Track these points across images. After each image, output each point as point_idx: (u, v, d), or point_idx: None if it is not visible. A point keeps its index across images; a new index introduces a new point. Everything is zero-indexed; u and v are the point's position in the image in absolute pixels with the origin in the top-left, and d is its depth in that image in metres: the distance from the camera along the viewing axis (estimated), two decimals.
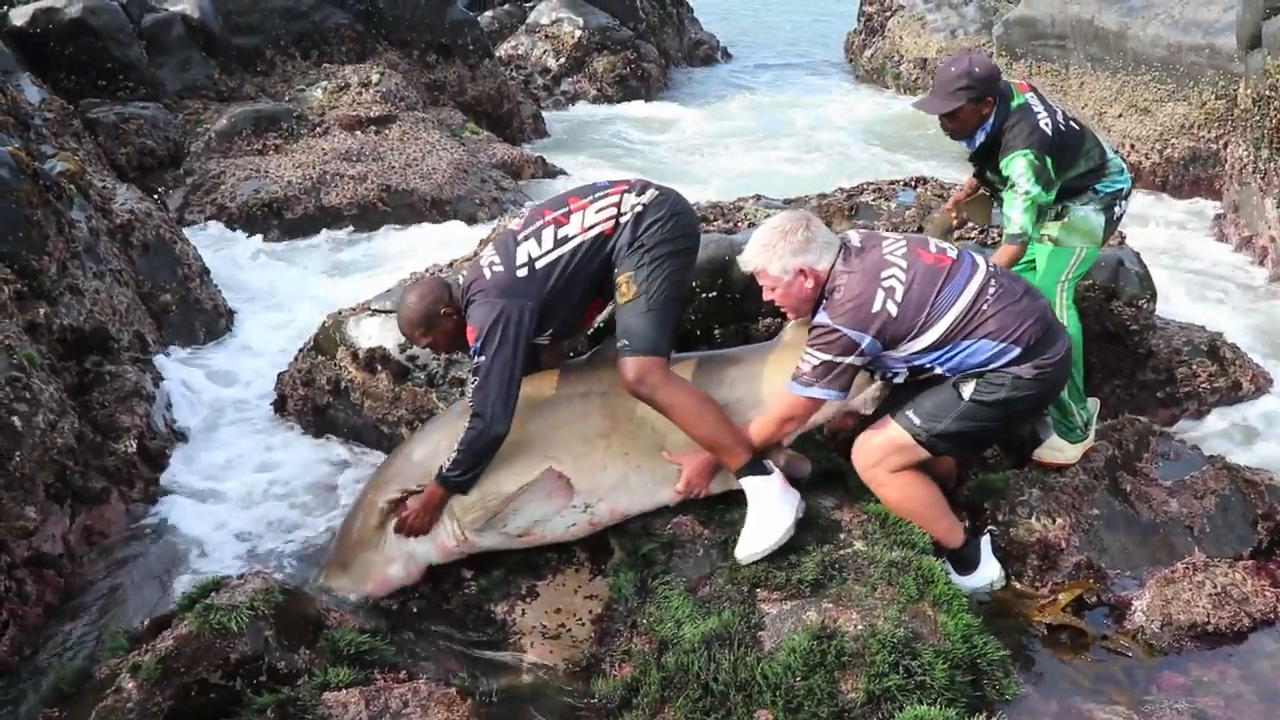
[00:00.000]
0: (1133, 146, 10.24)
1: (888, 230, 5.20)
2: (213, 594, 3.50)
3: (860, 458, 3.76)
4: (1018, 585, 3.93)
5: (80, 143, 7.94)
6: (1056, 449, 4.36)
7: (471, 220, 9.14)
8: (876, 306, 3.49)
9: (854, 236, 3.71)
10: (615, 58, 15.02)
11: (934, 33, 15.88)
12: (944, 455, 3.78)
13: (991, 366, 3.55)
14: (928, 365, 3.60)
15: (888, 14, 17.09)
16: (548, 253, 3.77)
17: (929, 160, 11.30)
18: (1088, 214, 4.35)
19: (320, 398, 5.34)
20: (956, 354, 3.56)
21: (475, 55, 12.48)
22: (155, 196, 8.28)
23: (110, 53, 9.62)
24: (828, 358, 3.50)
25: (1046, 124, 4.16)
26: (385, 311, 5.01)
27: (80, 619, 4.09)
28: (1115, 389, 5.35)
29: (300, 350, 5.62)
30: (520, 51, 15.17)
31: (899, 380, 3.72)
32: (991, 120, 4.23)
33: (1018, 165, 4.10)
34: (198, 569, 4.34)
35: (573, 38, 15.08)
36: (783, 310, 3.75)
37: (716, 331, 4.71)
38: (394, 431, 4.94)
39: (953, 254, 3.66)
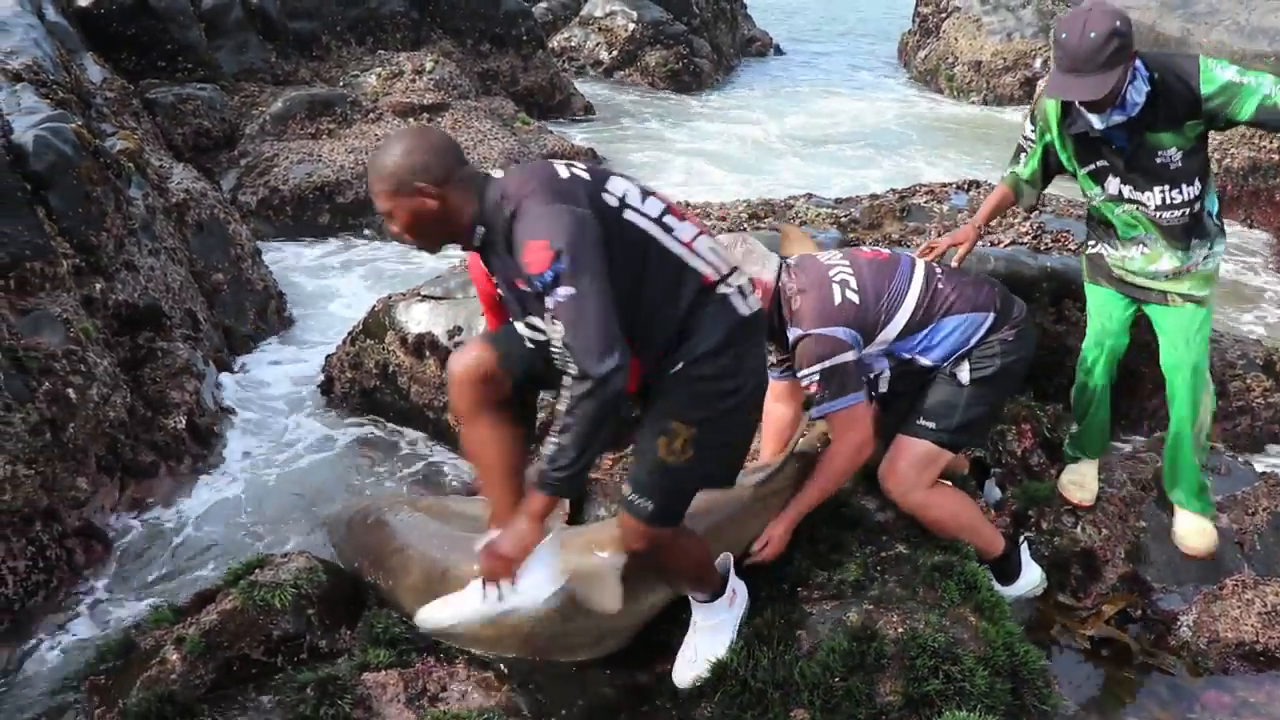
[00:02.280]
0: None
1: (939, 232, 5.17)
2: (257, 571, 3.54)
3: (894, 487, 3.58)
4: (1060, 597, 3.89)
5: (139, 122, 8.02)
6: (1198, 531, 4.04)
7: None
8: (838, 300, 3.44)
9: (789, 257, 3.68)
10: (668, 52, 14.98)
11: (990, 35, 15.70)
12: (965, 448, 3.73)
13: (974, 342, 3.51)
14: (910, 356, 3.54)
15: (943, 15, 16.92)
16: (645, 216, 2.82)
17: (983, 164, 11.19)
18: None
19: (368, 381, 5.38)
20: (936, 338, 3.50)
21: (529, 46, 12.50)
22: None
23: (170, 34, 9.71)
24: (824, 366, 3.40)
25: None
26: (435, 298, 5.04)
27: (126, 589, 4.16)
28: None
29: (349, 333, 5.67)
30: (573, 43, 15.18)
31: (884, 386, 3.63)
32: (1139, 64, 3.47)
33: (1215, 67, 3.46)
34: (242, 546, 4.39)
35: (626, 31, 15.06)
36: None
37: None
38: (439, 417, 4.97)
39: (887, 251, 3.69)
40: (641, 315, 2.77)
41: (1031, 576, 3.80)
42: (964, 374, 3.52)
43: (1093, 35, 3.32)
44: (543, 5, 15.51)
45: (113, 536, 4.40)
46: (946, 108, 14.38)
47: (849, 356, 3.41)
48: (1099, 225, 3.96)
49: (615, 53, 15.01)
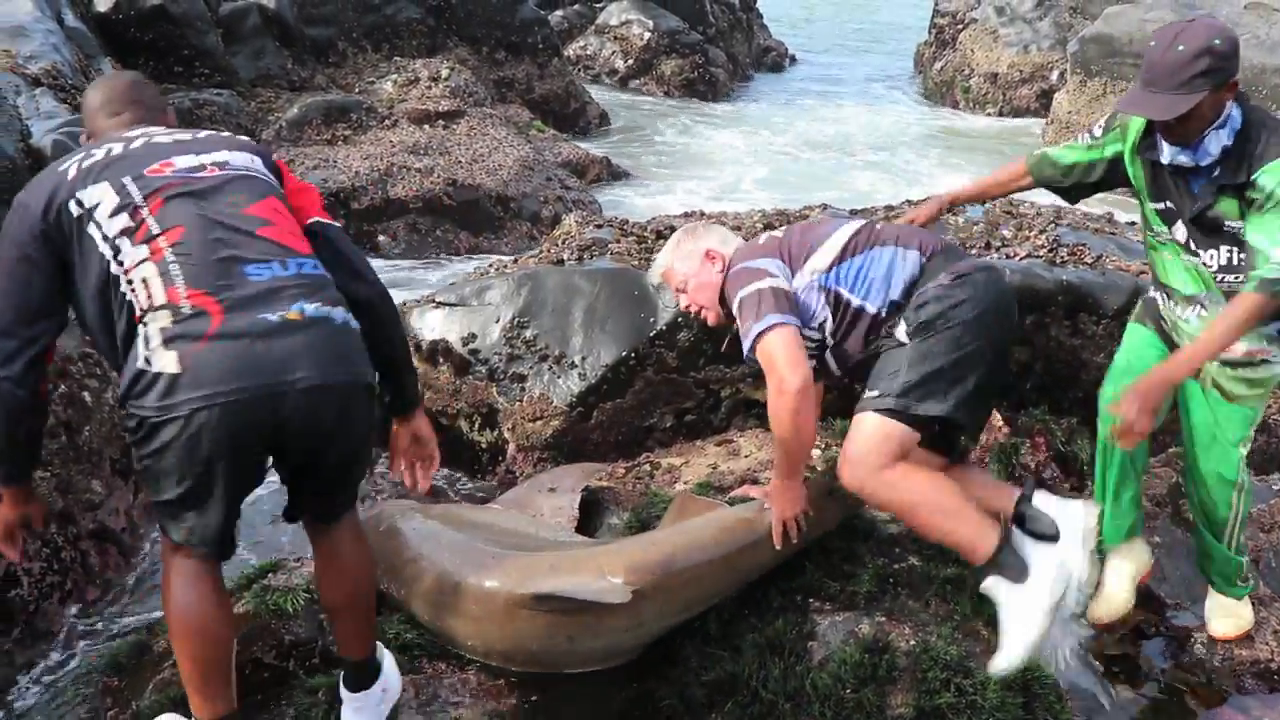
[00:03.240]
0: None
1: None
2: (270, 575, 3.54)
3: (849, 474, 3.15)
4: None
5: None
6: (1227, 613, 3.65)
7: (536, 219, 9.19)
8: (763, 240, 3.42)
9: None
10: (683, 61, 15.03)
11: (1006, 47, 15.72)
12: (931, 425, 3.16)
13: (905, 282, 3.20)
14: (844, 292, 3.23)
15: (959, 26, 16.95)
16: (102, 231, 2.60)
17: None
18: None
19: None
20: (868, 270, 3.22)
21: (544, 54, 12.56)
22: None
23: (188, 40, 9.78)
24: (748, 292, 3.19)
25: None
26: (450, 304, 5.05)
27: (139, 592, 4.17)
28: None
29: None
30: (589, 51, 15.24)
31: (827, 333, 3.29)
32: (1235, 111, 3.02)
33: None
34: (256, 550, 4.40)
35: (641, 40, 15.12)
36: (697, 316, 3.55)
37: None
38: (452, 424, 4.97)
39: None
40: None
41: (1045, 568, 3.06)
42: (900, 331, 3.17)
43: (1181, 49, 2.91)
44: (559, 14, 15.58)
45: (126, 539, 4.41)
46: (962, 120, 14.37)
47: (769, 283, 3.19)
48: (1159, 269, 3.43)
49: (631, 61, 15.05)
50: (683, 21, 15.57)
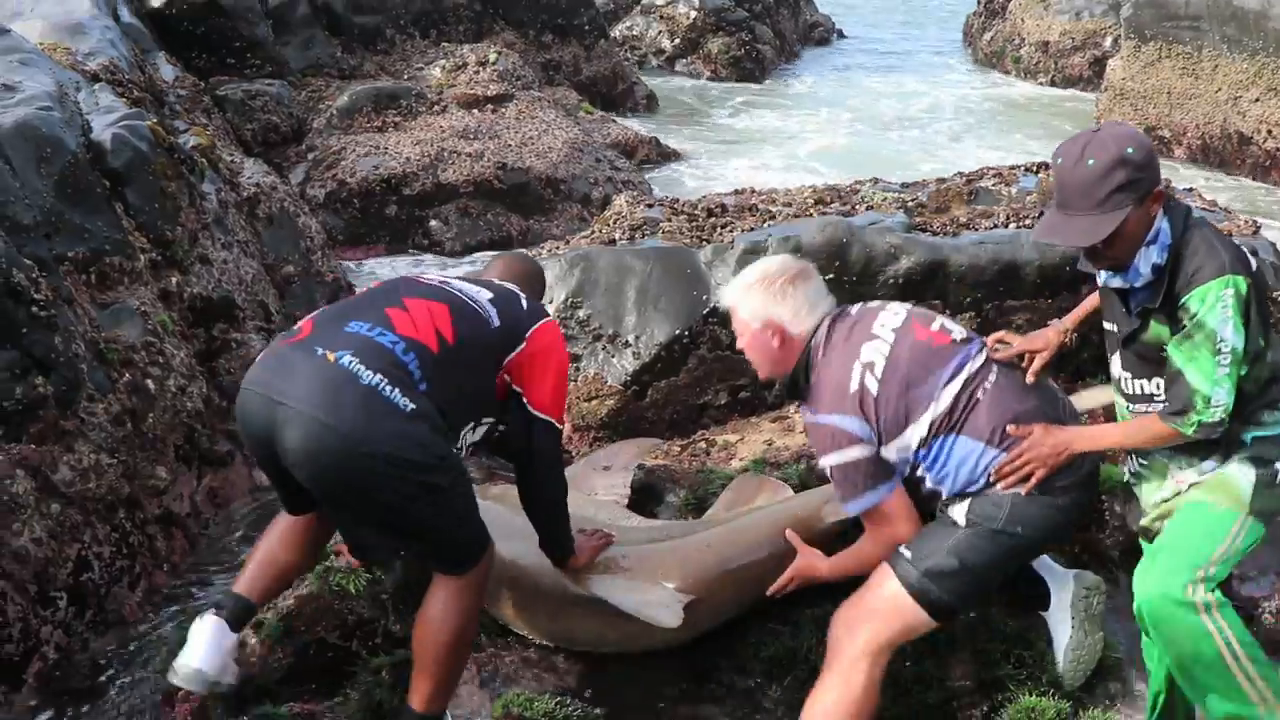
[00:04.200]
0: (1270, 132, 9.86)
1: (1008, 215, 5.10)
2: (332, 557, 3.59)
3: (838, 616, 2.91)
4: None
5: (210, 118, 8.18)
6: None
7: (586, 200, 9.20)
8: (854, 385, 2.87)
9: (854, 307, 3.12)
10: (730, 39, 14.92)
11: (1057, 14, 15.42)
12: (940, 616, 2.85)
13: (979, 484, 2.87)
14: (918, 466, 2.93)
15: None
16: None
17: (1051, 146, 11.01)
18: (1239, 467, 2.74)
19: None
20: (940, 453, 2.88)
21: (591, 35, 12.54)
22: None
23: (239, 31, 9.88)
24: (839, 460, 2.89)
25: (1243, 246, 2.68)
26: None
27: (206, 576, 4.25)
28: None
29: None
30: (635, 32, 15.18)
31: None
32: (1164, 225, 2.66)
33: (1218, 300, 2.54)
34: None
35: (687, 19, 15.03)
36: (752, 365, 3.18)
37: None
38: None
39: (958, 335, 3.00)
40: None
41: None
42: (958, 512, 2.88)
43: (1091, 163, 2.57)
44: None
45: (191, 524, 4.50)
46: (1013, 89, 14.17)
47: (859, 452, 2.87)
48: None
49: (677, 41, 14.98)
50: None
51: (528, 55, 11.66)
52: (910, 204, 5.31)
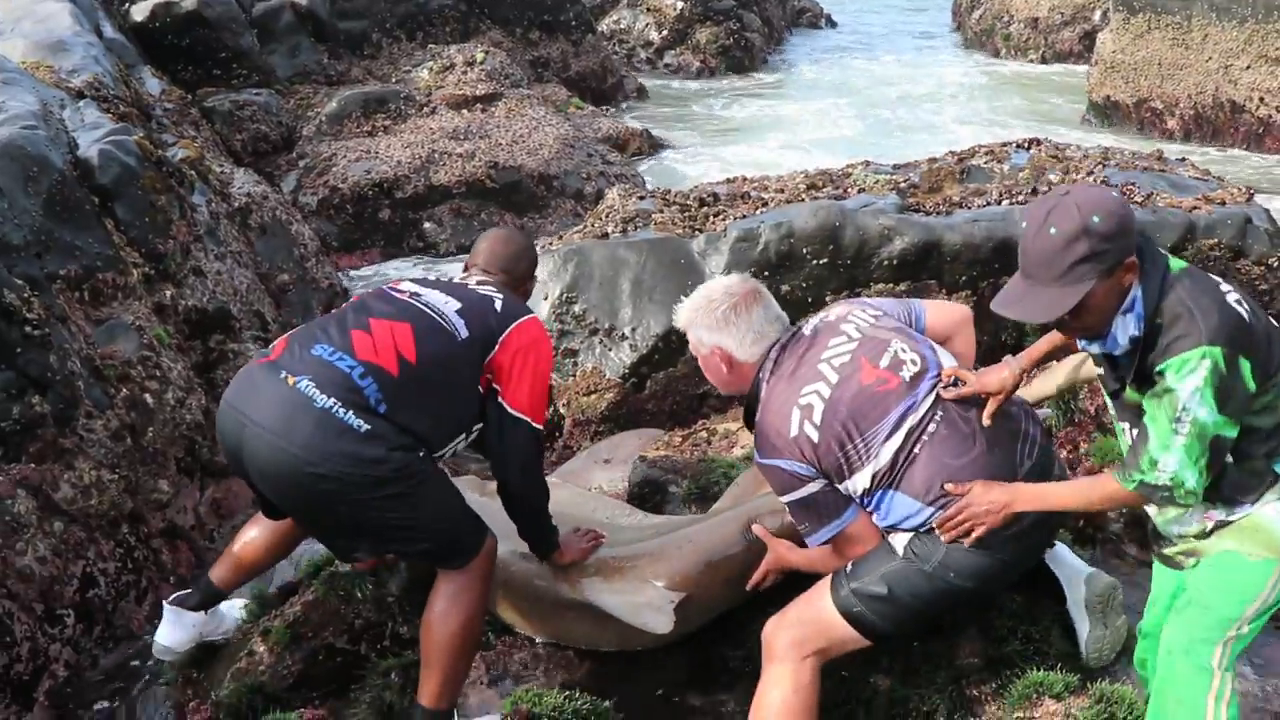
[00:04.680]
0: (1262, 99, 9.82)
1: (1001, 193, 5.09)
2: (337, 562, 3.59)
3: (770, 622, 2.88)
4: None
5: (198, 130, 8.17)
6: None
7: (579, 195, 9.19)
8: (794, 431, 2.79)
9: (807, 327, 2.99)
10: (718, 28, 14.90)
11: None
12: (867, 635, 2.81)
13: (925, 528, 2.77)
14: (866, 507, 2.87)
15: None
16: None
17: (1042, 122, 10.99)
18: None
19: None
20: (883, 503, 2.81)
21: (578, 31, 12.53)
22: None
23: (224, 42, 9.88)
24: (795, 498, 2.86)
25: (1236, 299, 2.40)
26: None
27: None
28: None
29: None
30: (622, 25, 15.16)
31: None
32: (1138, 293, 2.41)
33: (1189, 373, 2.32)
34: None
35: (674, 10, 15.01)
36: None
37: (828, 298, 4.66)
38: None
39: (908, 371, 2.82)
40: None
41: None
42: (899, 543, 2.81)
43: (1052, 232, 2.32)
44: None
45: (196, 536, 4.50)
46: (1003, 67, 14.14)
47: (813, 488, 2.83)
48: None
49: (665, 32, 14.96)
50: None
51: (515, 53, 11.65)
52: (903, 185, 5.30)
